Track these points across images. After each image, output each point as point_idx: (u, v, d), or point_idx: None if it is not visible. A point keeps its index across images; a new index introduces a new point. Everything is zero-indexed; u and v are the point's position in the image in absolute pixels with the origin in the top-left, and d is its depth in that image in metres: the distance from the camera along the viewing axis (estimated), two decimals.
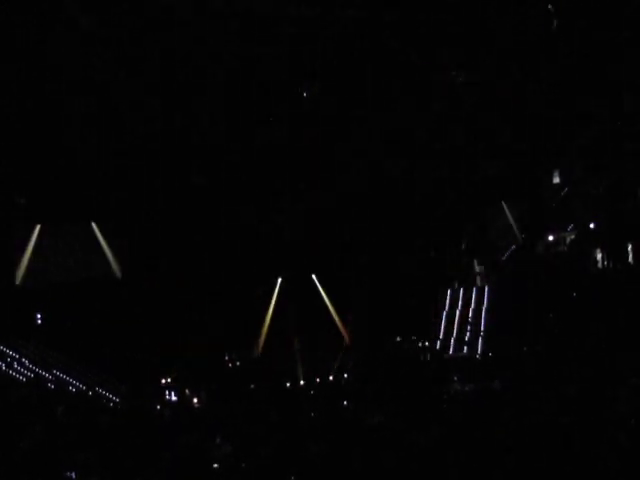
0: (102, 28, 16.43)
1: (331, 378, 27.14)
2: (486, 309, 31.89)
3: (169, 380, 26.63)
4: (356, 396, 21.34)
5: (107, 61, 17.82)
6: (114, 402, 23.81)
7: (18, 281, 27.21)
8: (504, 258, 34.39)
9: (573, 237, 32.56)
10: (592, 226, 31.19)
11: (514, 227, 34.13)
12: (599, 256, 30.77)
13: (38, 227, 27.47)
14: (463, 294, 33.67)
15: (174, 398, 25.07)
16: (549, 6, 18.01)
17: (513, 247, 34.30)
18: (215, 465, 10.98)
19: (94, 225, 28.84)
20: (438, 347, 32.18)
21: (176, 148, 23.57)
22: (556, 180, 34.16)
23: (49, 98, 18.85)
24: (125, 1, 16.13)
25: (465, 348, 31.24)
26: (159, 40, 17.73)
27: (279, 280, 32.52)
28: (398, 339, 32.34)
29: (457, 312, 33.15)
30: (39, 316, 27.78)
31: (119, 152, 23.19)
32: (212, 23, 17.67)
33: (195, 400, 24.43)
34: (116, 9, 16.11)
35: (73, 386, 24.57)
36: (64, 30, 16.13)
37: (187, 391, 25.52)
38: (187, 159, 24.88)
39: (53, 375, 24.92)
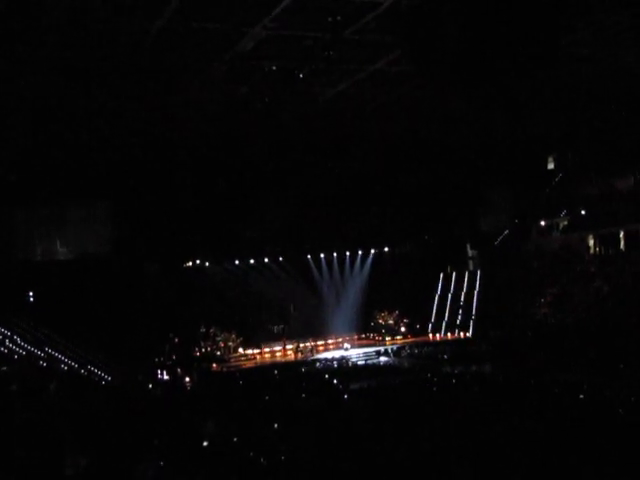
0: None
1: (325, 358, 27.19)
2: (478, 293, 32.00)
3: (161, 359, 26.71)
4: (346, 375, 21.47)
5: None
6: (106, 380, 23.83)
7: (10, 258, 27.12)
8: (497, 243, 34.46)
9: (566, 223, 32.62)
10: (583, 212, 31.29)
11: (507, 212, 34.25)
12: (591, 242, 30.85)
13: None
14: (456, 278, 33.76)
15: (165, 377, 25.12)
16: None
17: (506, 232, 34.37)
18: (205, 443, 11.04)
19: (87, 202, 28.74)
20: (430, 329, 32.35)
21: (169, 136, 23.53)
22: (550, 166, 34.19)
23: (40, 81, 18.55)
24: None
25: (456, 331, 31.39)
26: None
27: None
28: (391, 322, 32.45)
29: (449, 295, 33.27)
30: (31, 294, 27.71)
31: (114, 131, 23.03)
32: None
33: (187, 379, 24.48)
34: None
35: (65, 364, 24.54)
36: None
37: (179, 370, 25.58)
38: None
39: (45, 353, 24.88)
